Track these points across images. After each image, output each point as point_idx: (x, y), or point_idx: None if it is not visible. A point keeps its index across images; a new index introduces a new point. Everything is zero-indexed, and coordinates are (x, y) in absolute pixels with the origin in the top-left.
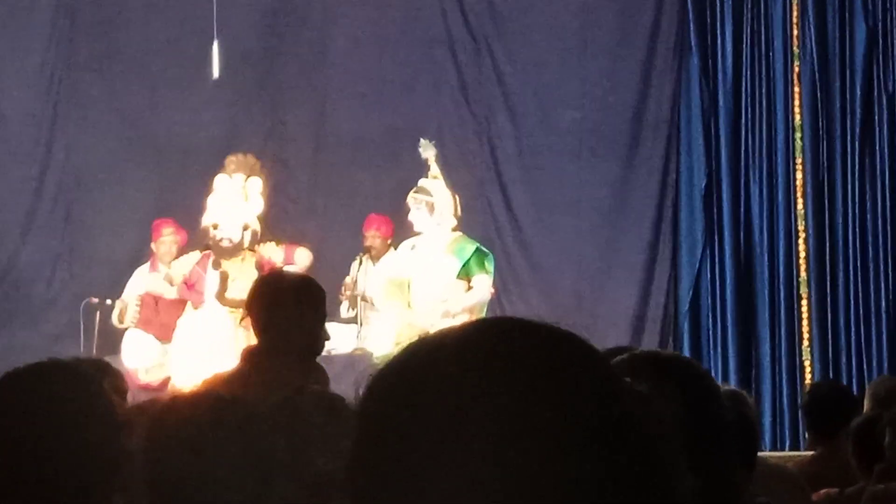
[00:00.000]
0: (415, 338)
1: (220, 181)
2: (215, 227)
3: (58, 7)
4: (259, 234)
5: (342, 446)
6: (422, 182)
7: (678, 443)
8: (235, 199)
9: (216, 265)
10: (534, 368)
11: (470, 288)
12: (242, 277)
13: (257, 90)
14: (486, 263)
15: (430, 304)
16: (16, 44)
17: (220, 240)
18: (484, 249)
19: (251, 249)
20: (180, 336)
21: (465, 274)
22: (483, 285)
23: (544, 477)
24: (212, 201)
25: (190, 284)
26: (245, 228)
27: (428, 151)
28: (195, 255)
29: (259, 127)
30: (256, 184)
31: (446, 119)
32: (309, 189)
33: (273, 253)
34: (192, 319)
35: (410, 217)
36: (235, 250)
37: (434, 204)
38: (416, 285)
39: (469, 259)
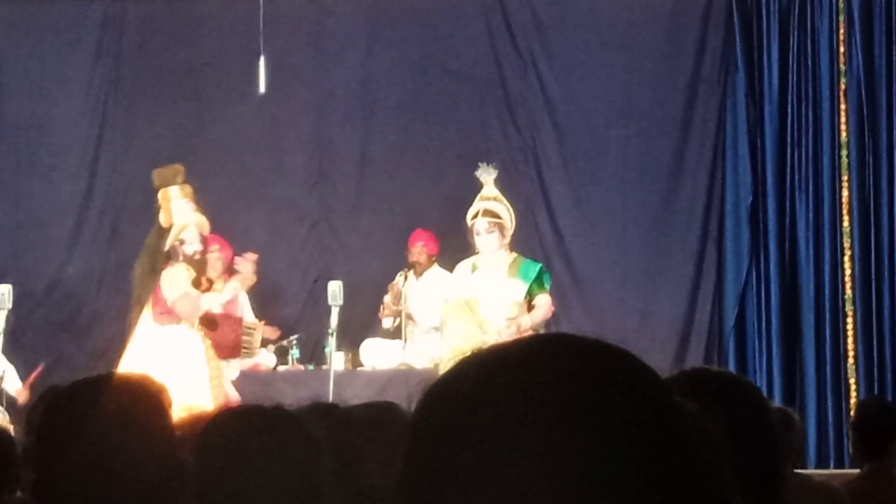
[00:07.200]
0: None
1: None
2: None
3: (105, 25)
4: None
5: (394, 459)
6: (489, 205)
7: (728, 461)
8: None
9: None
10: (588, 385)
11: (532, 307)
12: None
13: (303, 106)
14: (545, 283)
15: (497, 323)
16: (63, 61)
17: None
18: (545, 269)
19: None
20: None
21: (529, 295)
22: (546, 304)
23: (598, 495)
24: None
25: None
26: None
27: (487, 175)
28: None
29: (305, 143)
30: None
31: (492, 136)
32: (354, 205)
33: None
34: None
35: (484, 241)
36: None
37: (504, 226)
38: (483, 306)
39: (534, 280)
